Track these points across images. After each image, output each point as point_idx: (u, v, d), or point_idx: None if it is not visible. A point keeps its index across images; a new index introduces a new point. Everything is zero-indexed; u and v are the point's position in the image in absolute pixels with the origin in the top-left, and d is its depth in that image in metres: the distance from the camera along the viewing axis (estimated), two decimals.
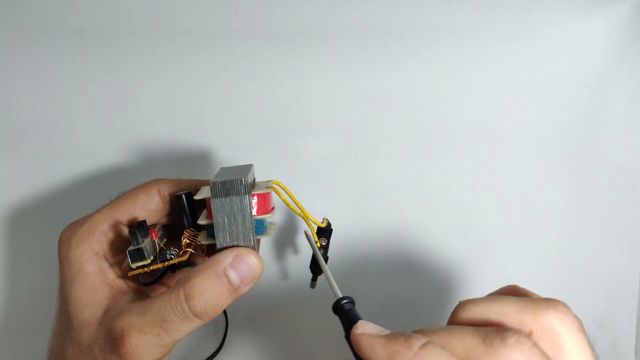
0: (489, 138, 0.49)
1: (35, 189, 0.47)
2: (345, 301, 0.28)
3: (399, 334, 0.25)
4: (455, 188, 0.49)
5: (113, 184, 0.47)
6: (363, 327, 0.26)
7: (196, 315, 0.29)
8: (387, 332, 0.25)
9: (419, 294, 0.49)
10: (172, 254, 0.33)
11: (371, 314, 0.49)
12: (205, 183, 0.37)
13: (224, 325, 0.47)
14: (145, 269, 0.33)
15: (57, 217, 0.47)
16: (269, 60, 0.47)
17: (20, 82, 0.47)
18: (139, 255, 0.32)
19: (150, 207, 0.35)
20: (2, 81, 0.46)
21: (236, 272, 0.30)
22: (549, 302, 0.26)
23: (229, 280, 0.30)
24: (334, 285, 0.29)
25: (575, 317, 0.26)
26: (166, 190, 0.36)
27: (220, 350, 0.48)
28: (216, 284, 0.29)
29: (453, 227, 0.49)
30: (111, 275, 0.34)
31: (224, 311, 0.47)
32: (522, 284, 0.49)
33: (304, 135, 0.48)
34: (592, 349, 0.26)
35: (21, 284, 0.47)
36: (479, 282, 0.49)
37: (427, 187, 0.49)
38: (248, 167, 0.35)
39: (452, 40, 0.48)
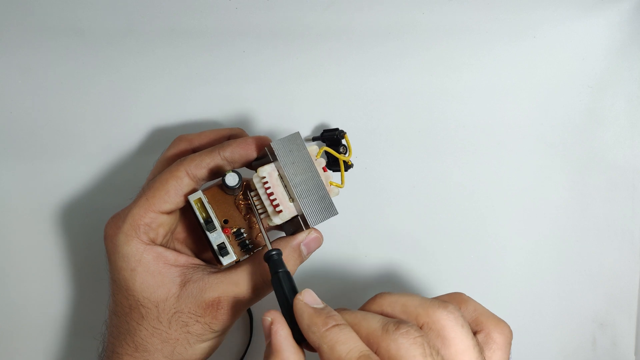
0: (489, 138, 0.49)
1: (35, 189, 0.47)
2: (274, 252, 0.34)
3: (324, 311, 0.31)
4: (454, 188, 0.49)
5: (113, 184, 0.47)
6: (305, 295, 0.32)
7: None
8: (321, 305, 0.31)
9: (418, 293, 0.49)
10: (250, 245, 0.39)
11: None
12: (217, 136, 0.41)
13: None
14: (234, 262, 0.38)
15: (56, 217, 0.47)
16: (269, 60, 0.47)
17: (20, 82, 0.47)
18: (227, 254, 0.37)
19: (183, 190, 0.37)
20: (2, 81, 0.47)
21: (306, 247, 0.37)
22: (442, 303, 0.32)
23: (301, 253, 0.37)
24: (266, 238, 0.36)
25: (460, 315, 0.31)
26: (193, 169, 0.37)
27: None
28: (294, 257, 0.37)
29: (452, 227, 0.49)
30: (171, 256, 0.37)
31: (250, 314, 0.48)
32: (522, 284, 0.49)
33: (303, 135, 0.48)
34: (476, 342, 0.31)
35: (19, 283, 0.48)
36: (478, 281, 0.49)
37: (426, 186, 0.49)
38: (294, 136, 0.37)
39: (452, 40, 0.48)
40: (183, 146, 0.40)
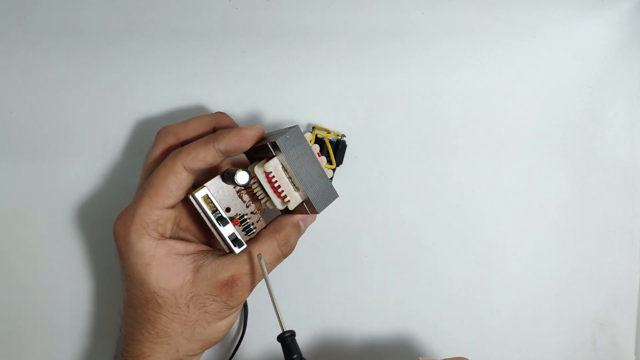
0: (489, 138, 0.49)
1: (34, 189, 0.47)
2: (287, 334, 0.35)
3: None
4: (454, 188, 0.49)
5: (112, 183, 0.47)
6: None
7: (284, 256, 0.41)
8: None
9: (418, 293, 0.49)
10: (254, 228, 0.41)
11: (371, 312, 0.49)
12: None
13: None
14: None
15: (56, 216, 0.47)
16: (269, 60, 0.47)
17: (20, 82, 0.47)
18: (239, 244, 0.40)
19: (184, 184, 0.39)
20: (2, 81, 0.47)
21: (304, 222, 0.41)
22: None
23: (300, 229, 0.41)
24: (281, 318, 0.37)
25: None
26: (190, 162, 0.38)
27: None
28: (295, 232, 0.41)
29: (452, 227, 0.49)
30: (181, 247, 0.39)
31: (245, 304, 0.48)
32: (522, 284, 0.50)
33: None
34: None
35: (21, 283, 0.48)
36: (478, 281, 0.49)
37: (426, 187, 0.49)
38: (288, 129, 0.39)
39: (452, 40, 0.48)
40: (170, 141, 0.41)
